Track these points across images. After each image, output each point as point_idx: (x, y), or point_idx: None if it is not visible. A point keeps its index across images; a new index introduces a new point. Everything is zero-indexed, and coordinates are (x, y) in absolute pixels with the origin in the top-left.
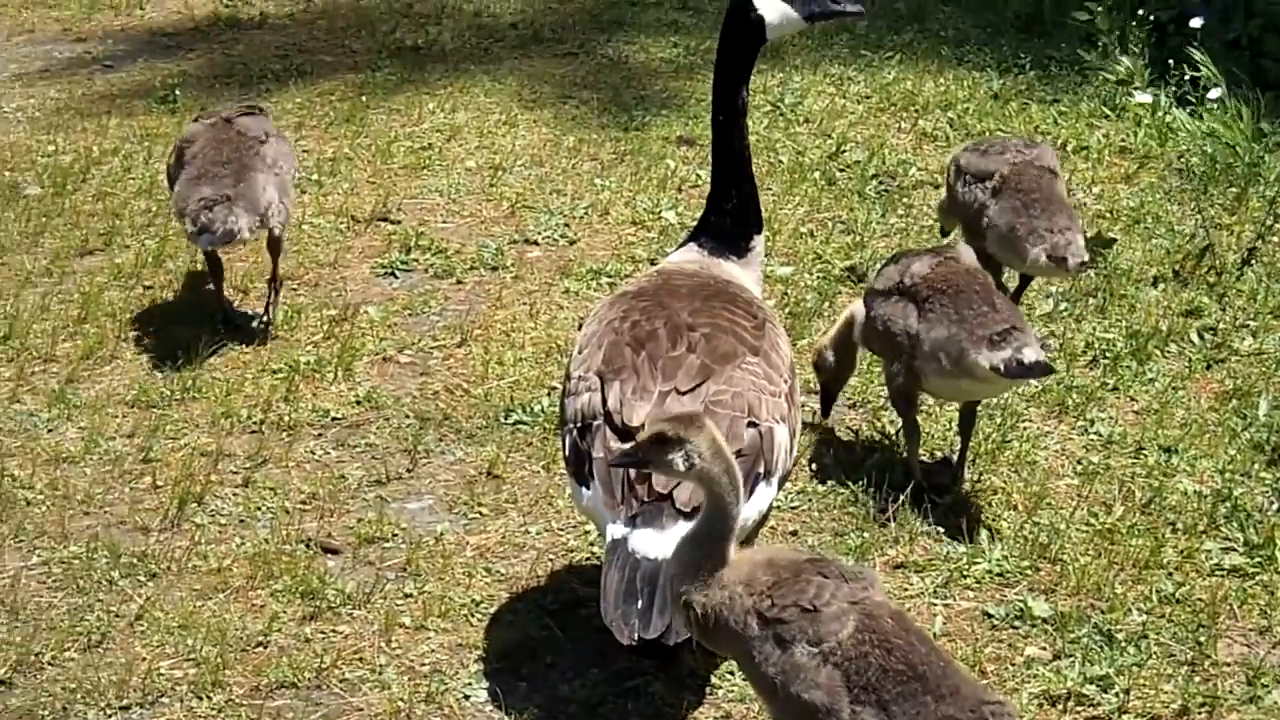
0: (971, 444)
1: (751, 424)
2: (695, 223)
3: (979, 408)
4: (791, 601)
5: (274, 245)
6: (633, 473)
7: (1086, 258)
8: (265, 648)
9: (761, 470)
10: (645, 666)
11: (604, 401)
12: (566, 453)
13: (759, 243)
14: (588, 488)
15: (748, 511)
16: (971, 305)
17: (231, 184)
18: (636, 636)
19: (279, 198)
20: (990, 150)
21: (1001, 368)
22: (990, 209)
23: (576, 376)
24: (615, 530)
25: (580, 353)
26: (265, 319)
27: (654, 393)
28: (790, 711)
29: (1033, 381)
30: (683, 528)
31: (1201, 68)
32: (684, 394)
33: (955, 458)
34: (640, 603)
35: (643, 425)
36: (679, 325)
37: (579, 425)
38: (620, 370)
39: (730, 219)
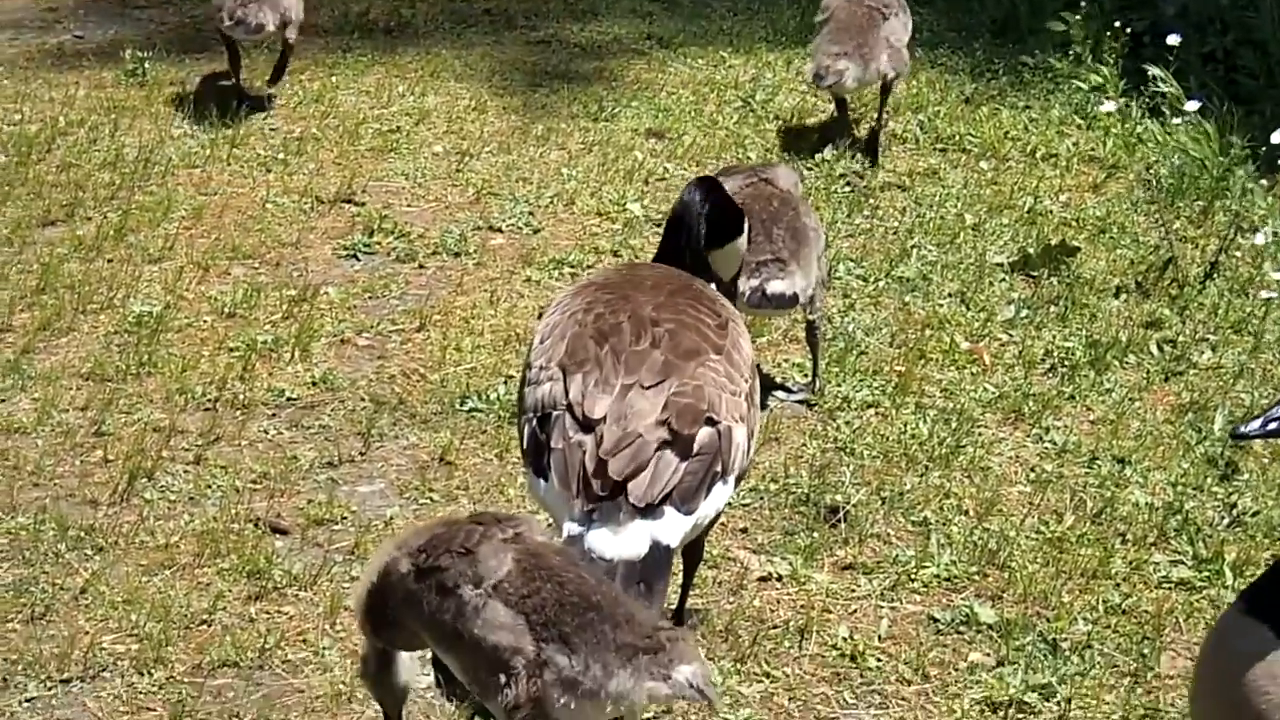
0: (925, 447)
1: (711, 421)
2: (661, 216)
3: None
4: (444, 549)
5: (287, 46)
6: (589, 464)
7: (839, 81)
8: (209, 626)
9: (719, 469)
10: None
11: (566, 392)
12: (524, 443)
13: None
14: (545, 479)
15: (705, 510)
16: (749, 231)
17: None
18: None
19: (295, 3)
20: None
21: (746, 294)
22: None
23: (538, 366)
24: (570, 528)
25: (542, 342)
26: (271, 84)
27: (616, 385)
28: (479, 661)
29: (787, 312)
30: (638, 525)
31: (1172, 81)
32: (647, 388)
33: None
34: None
35: (604, 417)
36: (643, 319)
37: (539, 415)
38: (583, 363)
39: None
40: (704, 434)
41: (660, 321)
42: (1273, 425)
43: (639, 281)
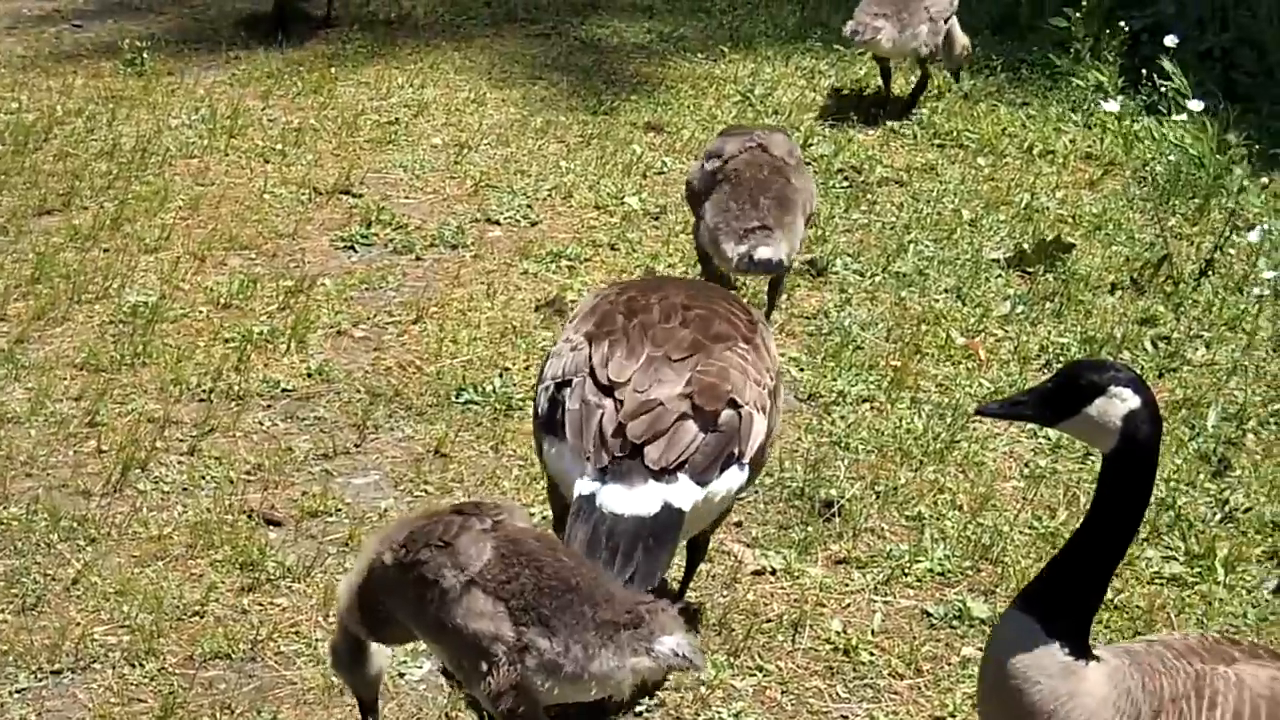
0: (920, 442)
1: (733, 403)
2: (659, 210)
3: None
4: (424, 542)
5: None
6: (607, 425)
7: (874, 39)
8: (201, 617)
9: (735, 452)
10: None
11: (589, 359)
12: (541, 409)
13: None
14: (558, 437)
15: (717, 487)
16: (739, 198)
17: None
18: None
19: None
20: None
21: (734, 260)
22: None
23: (564, 340)
24: (583, 486)
25: (571, 323)
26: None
27: (643, 355)
28: (462, 649)
29: (771, 275)
30: (652, 487)
31: (1173, 78)
32: (674, 361)
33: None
34: (603, 555)
35: (626, 382)
36: (674, 304)
37: (558, 381)
38: (610, 333)
39: None
40: (726, 415)
41: (691, 308)
42: (1010, 409)
43: (671, 279)
